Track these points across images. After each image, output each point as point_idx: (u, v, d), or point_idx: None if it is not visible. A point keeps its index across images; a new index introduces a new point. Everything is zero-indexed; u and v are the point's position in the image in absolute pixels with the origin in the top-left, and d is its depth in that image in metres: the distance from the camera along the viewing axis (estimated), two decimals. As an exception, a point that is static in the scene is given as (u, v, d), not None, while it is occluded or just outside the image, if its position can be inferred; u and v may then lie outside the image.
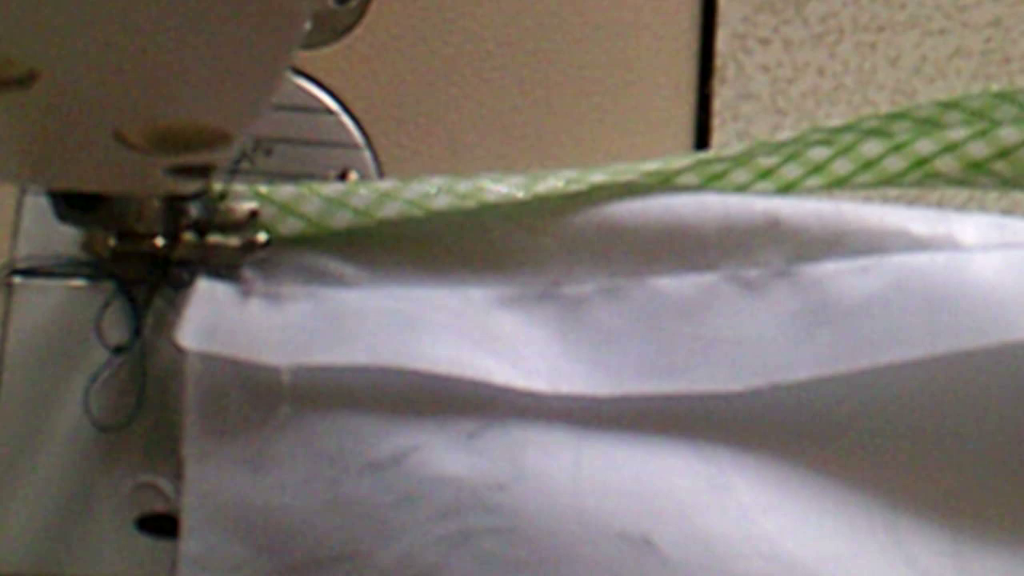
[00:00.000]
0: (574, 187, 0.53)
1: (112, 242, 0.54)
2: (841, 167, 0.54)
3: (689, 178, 0.54)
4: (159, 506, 0.54)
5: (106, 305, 0.55)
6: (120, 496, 0.55)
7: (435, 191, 0.53)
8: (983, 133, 0.53)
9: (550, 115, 0.61)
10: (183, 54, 0.36)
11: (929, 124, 0.54)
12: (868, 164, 0.54)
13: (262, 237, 0.53)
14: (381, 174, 0.59)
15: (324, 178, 0.58)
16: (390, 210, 0.53)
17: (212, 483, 0.52)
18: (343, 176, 0.58)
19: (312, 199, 0.53)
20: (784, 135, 0.54)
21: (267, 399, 0.52)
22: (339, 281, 0.54)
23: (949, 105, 0.54)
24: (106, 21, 0.34)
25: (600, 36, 0.61)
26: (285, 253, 0.54)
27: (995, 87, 0.53)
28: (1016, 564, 0.50)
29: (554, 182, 0.53)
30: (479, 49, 0.61)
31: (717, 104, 0.61)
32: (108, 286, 0.55)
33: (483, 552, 0.51)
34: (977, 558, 0.50)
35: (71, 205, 0.49)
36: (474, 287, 0.54)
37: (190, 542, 0.51)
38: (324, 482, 0.52)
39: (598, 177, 0.53)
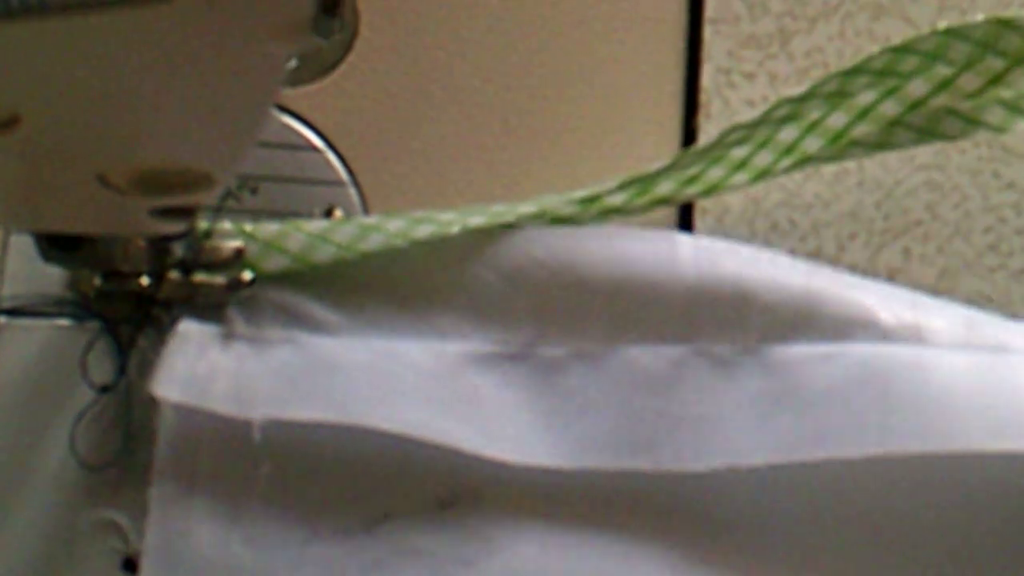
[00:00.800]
0: (500, 219, 0.53)
1: (97, 282, 0.54)
2: (763, 159, 0.54)
3: (616, 197, 0.54)
4: (117, 545, 0.54)
5: (90, 344, 0.55)
6: (102, 537, 0.54)
7: (418, 224, 0.53)
8: (892, 91, 0.53)
9: (536, 151, 0.61)
10: (165, 98, 0.36)
11: (837, 96, 0.53)
12: (788, 150, 0.54)
13: (247, 275, 0.53)
14: (367, 210, 0.59)
15: (310, 215, 0.58)
16: (372, 243, 0.53)
17: (177, 530, 0.51)
18: (329, 213, 0.58)
19: (296, 235, 0.53)
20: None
21: (239, 454, 0.52)
22: (319, 326, 0.53)
23: (852, 72, 0.54)
24: (87, 66, 0.34)
25: (585, 72, 0.61)
26: (268, 293, 0.54)
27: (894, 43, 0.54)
28: None
29: (481, 218, 0.53)
30: (464, 85, 0.61)
31: (703, 139, 0.61)
32: (94, 325, 0.55)
33: None
34: None
35: (55, 245, 0.49)
36: (451, 341, 0.53)
37: None
38: (293, 543, 0.51)
39: (527, 208, 0.53)
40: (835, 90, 0.53)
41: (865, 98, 0.53)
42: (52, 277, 0.55)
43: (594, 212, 0.55)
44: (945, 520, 0.52)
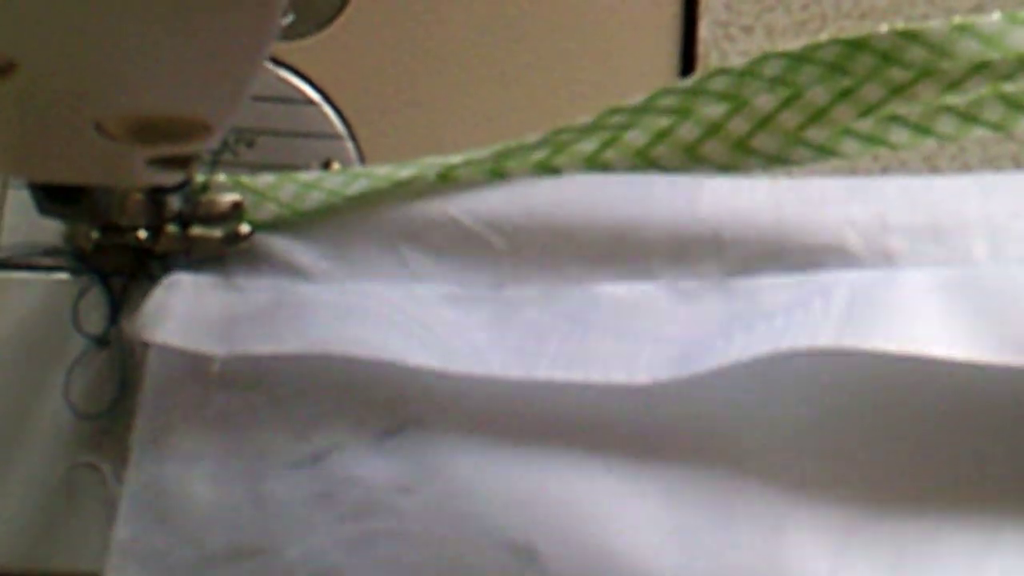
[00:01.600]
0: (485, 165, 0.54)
1: (95, 235, 0.54)
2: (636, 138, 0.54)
3: (609, 153, 0.54)
4: (102, 490, 0.54)
5: (81, 295, 0.55)
6: (99, 486, 0.55)
7: (402, 167, 0.53)
8: (789, 101, 0.53)
9: (532, 104, 0.61)
10: (161, 45, 0.36)
11: (729, 98, 0.53)
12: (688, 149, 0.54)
13: (245, 228, 0.53)
14: (364, 163, 0.59)
15: (307, 169, 0.58)
16: (358, 186, 0.53)
17: (150, 473, 0.52)
18: (326, 166, 0.58)
19: (288, 185, 0.53)
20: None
21: (203, 390, 0.53)
22: (303, 274, 0.54)
23: (745, 74, 0.52)
24: (83, 12, 0.34)
25: (582, 25, 0.61)
26: (260, 245, 0.54)
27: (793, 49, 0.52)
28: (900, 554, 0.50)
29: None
30: (461, 38, 0.61)
31: (700, 92, 0.61)
32: (91, 279, 0.55)
33: (381, 555, 0.51)
34: (861, 556, 0.50)
35: (53, 198, 0.49)
36: (424, 282, 0.54)
37: (121, 529, 0.52)
38: (248, 477, 0.52)
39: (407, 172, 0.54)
40: (833, 61, 0.52)
41: (763, 101, 0.53)
42: (49, 231, 0.55)
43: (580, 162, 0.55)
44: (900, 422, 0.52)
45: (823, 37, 0.51)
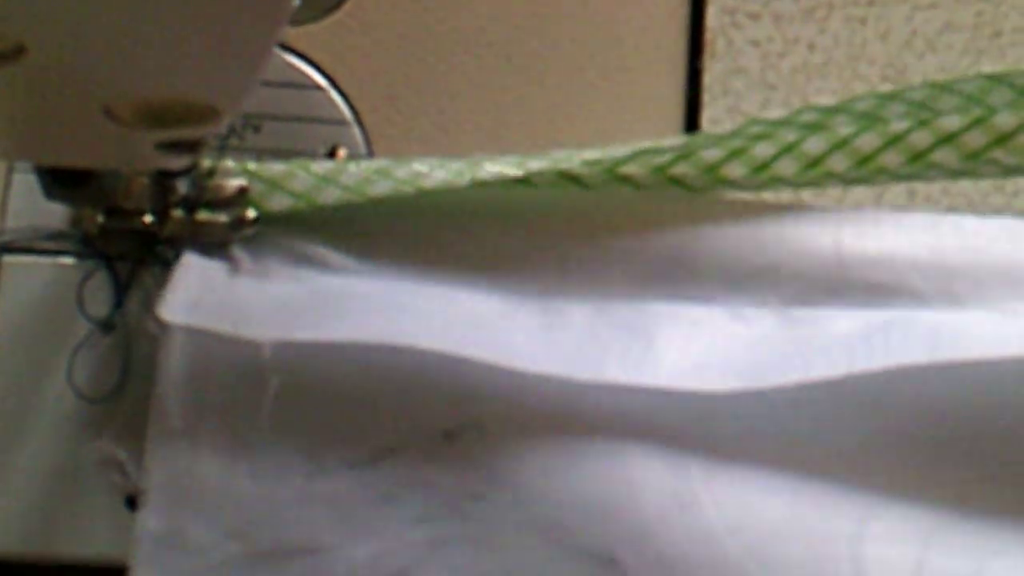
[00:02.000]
0: (510, 173, 0.53)
1: (100, 219, 0.54)
2: (786, 167, 0.54)
3: (631, 168, 0.54)
4: (118, 480, 0.54)
5: (86, 279, 0.55)
6: (105, 472, 0.54)
7: (427, 169, 0.53)
8: (979, 121, 0.53)
9: (540, 90, 0.61)
10: (172, 29, 0.36)
11: (868, 118, 0.53)
12: (813, 163, 0.54)
13: (251, 214, 0.53)
14: (370, 150, 0.59)
15: (313, 154, 0.57)
16: (381, 188, 0.52)
17: (183, 462, 0.51)
18: (332, 152, 0.58)
19: (302, 176, 0.53)
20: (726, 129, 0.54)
21: (245, 382, 0.52)
22: (326, 265, 0.54)
23: (889, 97, 0.53)
24: (94, -5, 0.33)
25: (591, 12, 0.61)
26: (273, 236, 0.54)
27: (988, 70, 0.52)
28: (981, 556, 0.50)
29: (492, 167, 0.53)
30: (469, 24, 0.61)
31: (707, 79, 0.61)
32: (96, 263, 0.55)
33: (454, 561, 0.51)
34: (942, 556, 0.50)
35: (59, 182, 0.49)
36: (461, 284, 0.53)
37: (152, 519, 0.51)
38: (299, 475, 0.51)
39: (536, 164, 0.53)
40: (867, 111, 0.53)
41: (899, 126, 0.53)
42: (55, 215, 0.55)
43: (604, 176, 0.54)
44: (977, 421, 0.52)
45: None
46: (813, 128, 0.53)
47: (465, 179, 0.52)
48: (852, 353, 0.50)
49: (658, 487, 0.51)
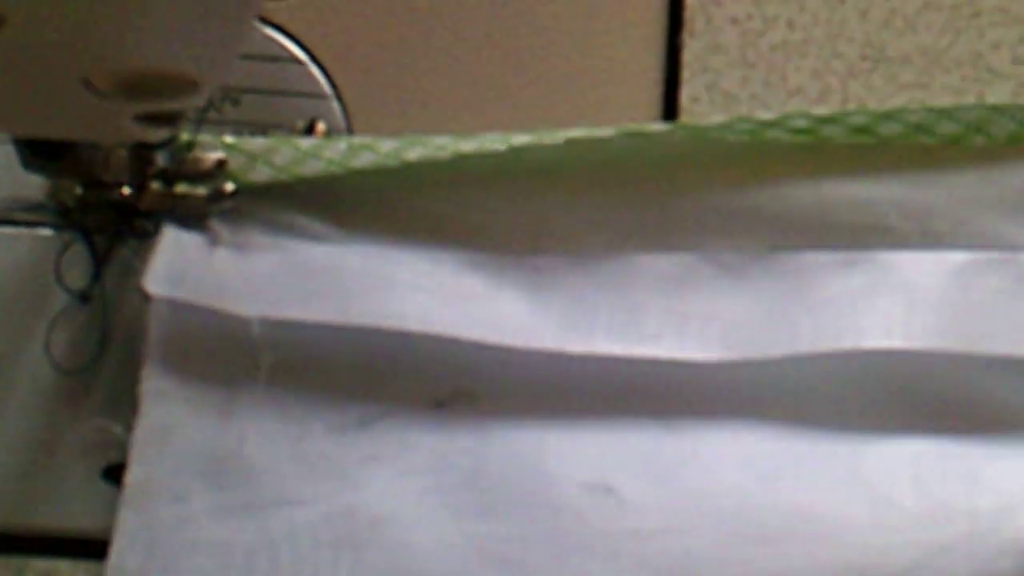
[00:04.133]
0: (491, 147, 0.53)
1: (79, 191, 0.54)
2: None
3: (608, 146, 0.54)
4: (115, 452, 0.54)
5: (64, 250, 0.55)
6: (84, 445, 0.55)
7: (407, 144, 0.53)
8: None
9: (519, 66, 0.61)
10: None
11: (862, 132, 0.53)
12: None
13: (229, 187, 0.53)
14: (349, 124, 0.59)
15: (292, 128, 0.57)
16: (363, 160, 0.53)
17: (167, 421, 0.52)
18: (311, 126, 0.58)
19: (284, 149, 0.53)
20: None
21: (233, 350, 0.52)
22: (308, 235, 0.54)
23: (884, 116, 0.53)
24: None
25: (570, -13, 0.61)
26: (253, 206, 0.54)
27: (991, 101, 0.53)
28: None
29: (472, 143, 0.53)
30: (448, 1, 0.61)
31: (686, 56, 0.61)
32: (74, 234, 0.55)
33: (450, 501, 0.51)
34: (934, 478, 0.51)
35: (37, 153, 0.49)
36: (447, 250, 0.53)
37: (135, 469, 0.51)
38: (287, 439, 0.52)
39: (520, 139, 0.53)
40: (862, 125, 0.53)
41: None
42: (33, 186, 0.55)
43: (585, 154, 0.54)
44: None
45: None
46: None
47: (446, 152, 0.52)
48: (838, 327, 0.51)
49: (654, 438, 0.51)
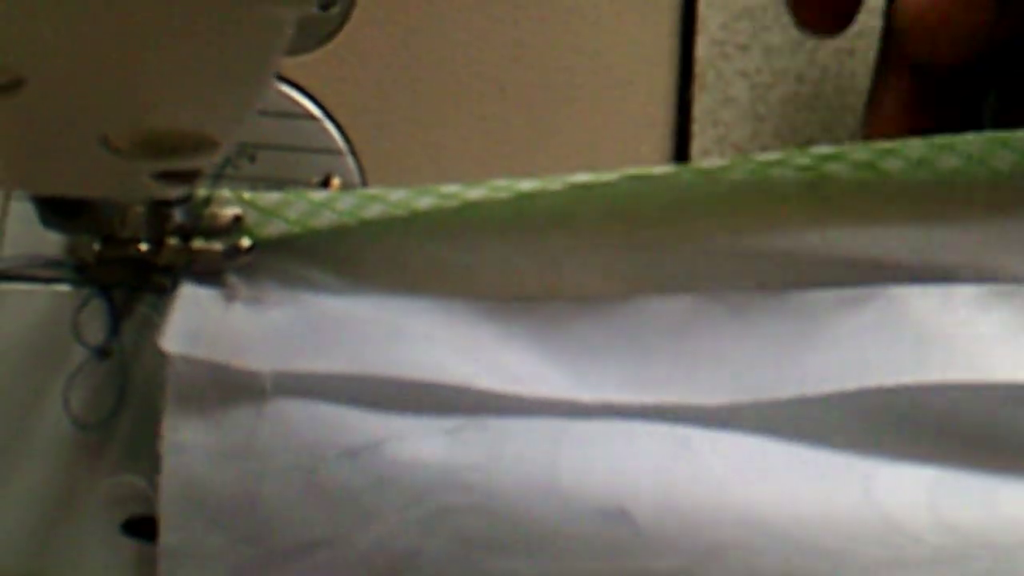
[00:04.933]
0: (498, 194, 0.53)
1: (97, 247, 0.54)
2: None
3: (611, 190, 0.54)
4: (137, 506, 0.54)
5: (82, 306, 0.55)
6: (103, 499, 0.55)
7: (417, 194, 0.53)
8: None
9: (531, 121, 0.61)
10: (169, 60, 0.36)
11: (865, 168, 0.53)
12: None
13: (246, 242, 0.54)
14: (364, 179, 0.60)
15: (307, 184, 0.58)
16: (373, 211, 0.53)
17: (190, 476, 0.52)
18: (326, 181, 0.58)
19: (296, 203, 0.54)
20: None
21: (249, 398, 0.53)
22: (321, 287, 0.54)
23: (885, 152, 0.52)
24: (92, 27, 0.34)
25: (580, 43, 0.62)
26: (268, 260, 0.54)
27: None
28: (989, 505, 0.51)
29: (480, 191, 0.53)
30: (460, 56, 0.61)
31: (697, 110, 0.62)
32: (92, 290, 0.56)
33: (461, 530, 0.51)
34: (951, 506, 0.51)
35: (56, 211, 0.49)
36: (455, 299, 0.54)
37: (168, 535, 0.52)
38: (301, 471, 0.52)
39: (526, 186, 0.53)
40: (864, 161, 0.53)
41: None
42: (52, 243, 0.55)
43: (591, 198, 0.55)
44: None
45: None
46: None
47: (455, 201, 0.53)
48: (844, 372, 0.51)
49: (666, 446, 0.51)
